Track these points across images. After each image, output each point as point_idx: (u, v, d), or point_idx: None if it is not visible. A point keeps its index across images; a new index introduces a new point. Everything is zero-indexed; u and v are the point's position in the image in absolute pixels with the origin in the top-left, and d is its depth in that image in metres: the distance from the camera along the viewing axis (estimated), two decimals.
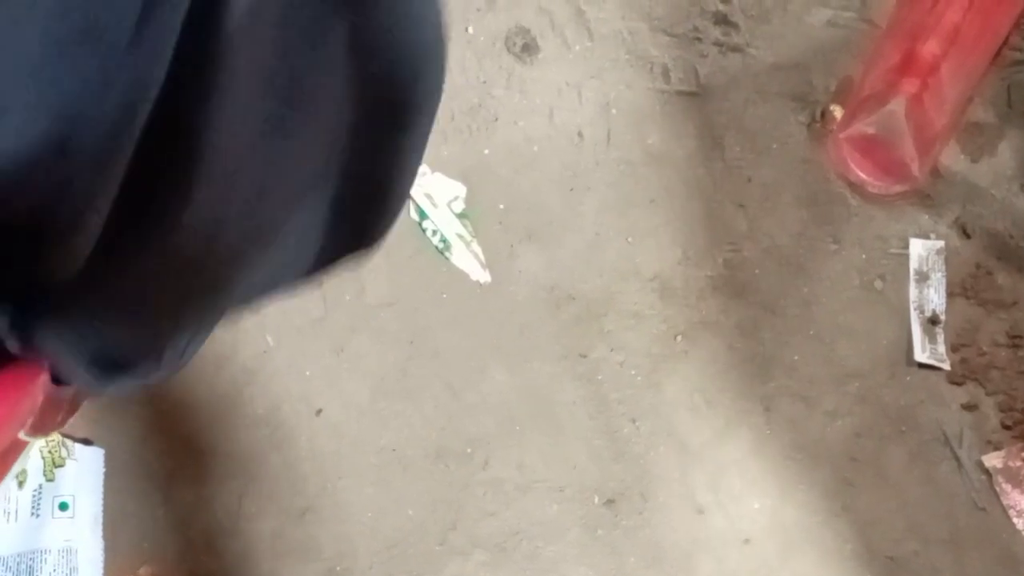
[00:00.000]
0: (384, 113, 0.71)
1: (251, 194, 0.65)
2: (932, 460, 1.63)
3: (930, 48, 1.67)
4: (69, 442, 1.50)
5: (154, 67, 0.53)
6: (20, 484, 1.47)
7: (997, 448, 1.63)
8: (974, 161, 1.76)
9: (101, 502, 1.51)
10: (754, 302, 1.68)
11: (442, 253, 1.66)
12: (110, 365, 0.72)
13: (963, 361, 1.67)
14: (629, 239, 1.70)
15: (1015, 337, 1.67)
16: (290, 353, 1.61)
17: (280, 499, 1.56)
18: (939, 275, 1.70)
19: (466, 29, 1.77)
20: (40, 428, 1.00)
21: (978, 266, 1.71)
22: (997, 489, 1.61)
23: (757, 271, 1.70)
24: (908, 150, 1.68)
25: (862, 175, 1.73)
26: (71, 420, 1.44)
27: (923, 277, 1.70)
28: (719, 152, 1.75)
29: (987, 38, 1.73)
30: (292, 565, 1.54)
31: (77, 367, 0.71)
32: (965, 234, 1.72)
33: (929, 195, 1.74)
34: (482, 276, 1.66)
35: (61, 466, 1.48)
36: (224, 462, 1.56)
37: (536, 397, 1.62)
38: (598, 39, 1.79)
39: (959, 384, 1.66)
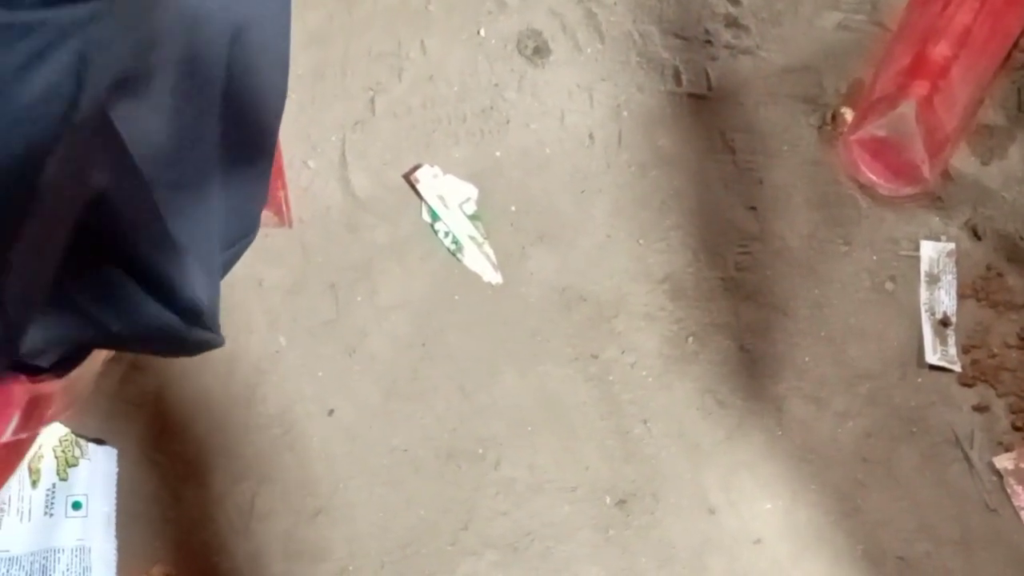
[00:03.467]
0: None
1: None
2: (943, 461, 1.63)
3: (940, 51, 1.67)
4: (82, 442, 1.51)
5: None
6: (34, 484, 1.47)
7: (1008, 449, 1.63)
8: (984, 163, 1.77)
9: (114, 501, 1.51)
10: (765, 304, 1.69)
11: (454, 255, 1.67)
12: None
13: (974, 363, 1.67)
14: (640, 241, 1.70)
15: None
16: (302, 354, 1.61)
17: (292, 499, 1.56)
18: (950, 277, 1.70)
19: (478, 32, 1.77)
20: (27, 426, 1.02)
21: (989, 268, 1.71)
22: (1008, 490, 1.61)
23: (768, 273, 1.70)
24: (918, 152, 1.68)
25: (873, 177, 1.73)
26: (66, 414, 1.45)
27: (934, 279, 1.70)
28: (730, 154, 1.75)
29: (997, 41, 1.74)
30: (304, 565, 1.54)
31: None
32: (976, 236, 1.73)
33: (940, 197, 1.74)
34: (494, 277, 1.67)
35: (74, 466, 1.49)
36: (236, 462, 1.57)
37: (548, 398, 1.63)
38: (609, 42, 1.79)
39: (970, 386, 1.66)
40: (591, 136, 1.75)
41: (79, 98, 0.58)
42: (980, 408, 1.65)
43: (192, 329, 0.89)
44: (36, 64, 0.54)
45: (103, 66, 0.59)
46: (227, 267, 1.02)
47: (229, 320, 1.60)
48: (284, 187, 1.63)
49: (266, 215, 1.63)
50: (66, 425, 1.50)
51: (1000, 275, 1.70)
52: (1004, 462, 1.62)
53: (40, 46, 0.54)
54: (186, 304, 0.87)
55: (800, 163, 1.75)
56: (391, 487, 1.58)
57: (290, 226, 1.66)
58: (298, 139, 1.68)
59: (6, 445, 1.02)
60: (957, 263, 1.71)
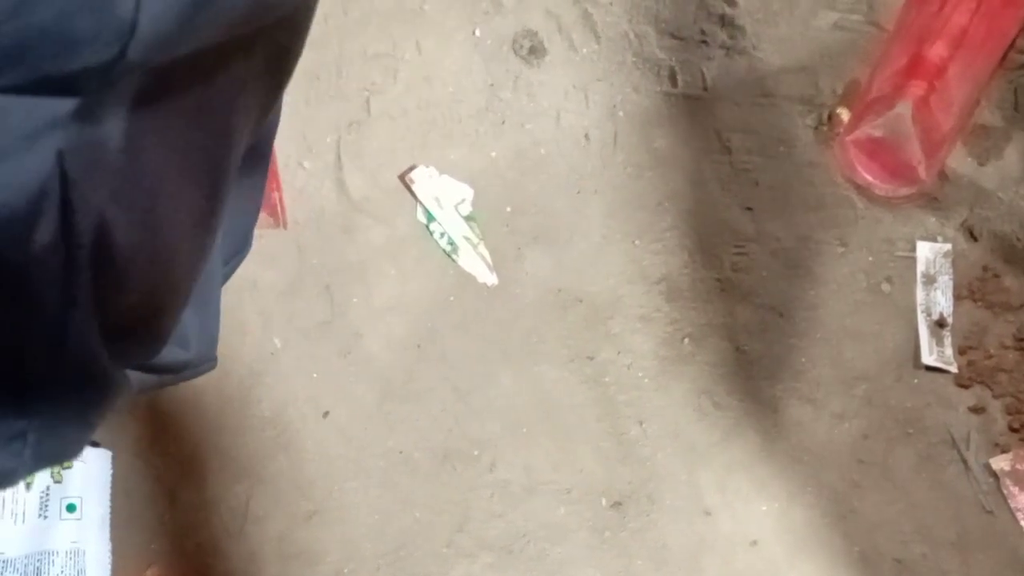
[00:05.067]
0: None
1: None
2: (939, 463, 1.63)
3: (937, 51, 1.67)
4: None
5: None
6: (28, 486, 1.47)
7: (1004, 451, 1.63)
8: (981, 164, 1.76)
9: (109, 504, 1.51)
10: (761, 304, 1.68)
11: (449, 255, 1.66)
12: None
13: (970, 364, 1.67)
14: (636, 242, 1.70)
15: (1022, 340, 1.67)
16: (297, 355, 1.61)
17: (287, 501, 1.56)
18: (946, 278, 1.70)
19: (473, 32, 1.77)
20: None
21: (985, 269, 1.71)
22: (1004, 492, 1.61)
23: (764, 274, 1.70)
24: (915, 153, 1.68)
25: (869, 178, 1.73)
26: None
27: (930, 280, 1.70)
28: (726, 155, 1.75)
29: (994, 41, 1.73)
30: (299, 568, 1.54)
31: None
32: (972, 237, 1.72)
33: (936, 198, 1.74)
34: (489, 278, 1.66)
35: (69, 468, 1.48)
36: (231, 464, 1.56)
37: (543, 399, 1.62)
38: (605, 42, 1.79)
39: (966, 387, 1.66)
40: (587, 136, 1.74)
41: (74, 221, 0.48)
42: (976, 409, 1.65)
43: (177, 375, 0.86)
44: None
45: (91, 182, 0.48)
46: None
47: (224, 322, 1.59)
48: (279, 188, 1.62)
49: (261, 217, 1.62)
50: None
51: (996, 276, 1.70)
52: (1000, 463, 1.62)
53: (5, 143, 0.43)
54: (173, 360, 0.83)
55: (796, 164, 1.75)
56: (386, 489, 1.57)
57: (285, 227, 1.65)
58: (293, 140, 1.68)
59: None
60: (953, 264, 1.71)
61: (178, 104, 0.52)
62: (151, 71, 0.47)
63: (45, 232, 0.47)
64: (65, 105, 0.44)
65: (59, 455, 0.65)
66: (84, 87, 0.44)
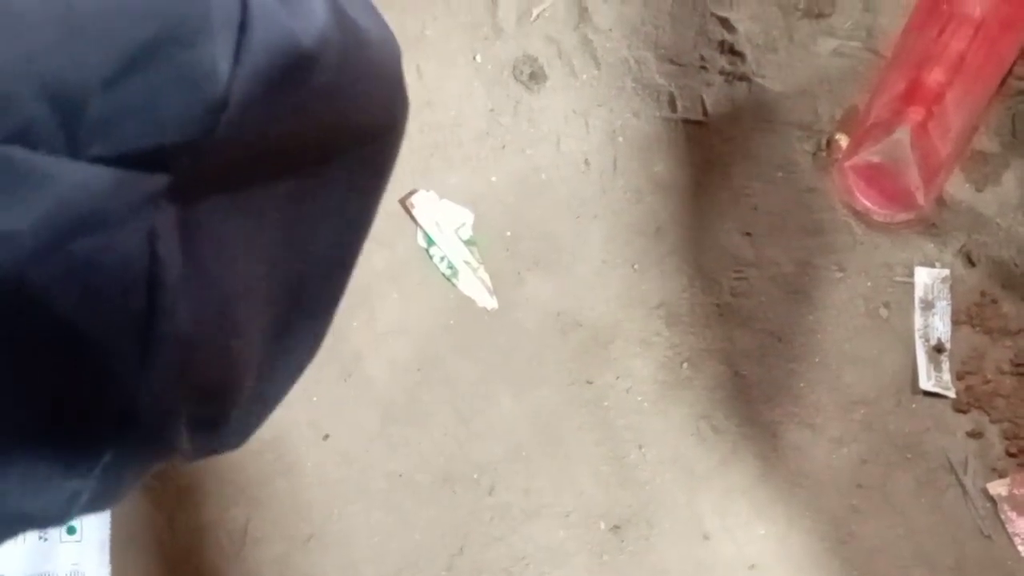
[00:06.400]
0: None
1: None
2: (938, 488, 1.63)
3: (935, 77, 1.68)
4: None
5: None
6: None
7: (1002, 476, 1.63)
8: (979, 190, 1.77)
9: (108, 527, 1.51)
10: (760, 329, 1.69)
11: (449, 280, 1.67)
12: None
13: (968, 389, 1.67)
14: (635, 267, 1.71)
15: (1020, 365, 1.68)
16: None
17: (286, 525, 1.56)
18: (944, 303, 1.71)
19: (474, 57, 1.78)
20: None
21: (983, 294, 1.71)
22: (1002, 517, 1.61)
23: (763, 299, 1.70)
24: (913, 178, 1.69)
25: (867, 203, 1.74)
26: None
27: (928, 305, 1.70)
28: (725, 180, 1.76)
29: (992, 67, 1.74)
30: None
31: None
32: (970, 262, 1.73)
33: (934, 223, 1.75)
34: (489, 303, 1.67)
35: None
36: (229, 487, 1.57)
37: (543, 423, 1.63)
38: (605, 68, 1.80)
39: (964, 412, 1.66)
40: (587, 162, 1.75)
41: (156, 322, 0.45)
42: (974, 434, 1.65)
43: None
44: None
45: (178, 265, 0.45)
46: None
47: None
48: None
49: None
50: None
51: (994, 302, 1.71)
52: (998, 488, 1.62)
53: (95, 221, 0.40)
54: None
55: (795, 189, 1.76)
56: (386, 512, 1.58)
57: None
58: None
59: None
60: (951, 289, 1.71)
61: (266, 204, 0.50)
62: (242, 156, 0.46)
63: (131, 312, 0.45)
64: (158, 182, 0.42)
65: (104, 508, 0.65)
66: (177, 163, 0.42)
